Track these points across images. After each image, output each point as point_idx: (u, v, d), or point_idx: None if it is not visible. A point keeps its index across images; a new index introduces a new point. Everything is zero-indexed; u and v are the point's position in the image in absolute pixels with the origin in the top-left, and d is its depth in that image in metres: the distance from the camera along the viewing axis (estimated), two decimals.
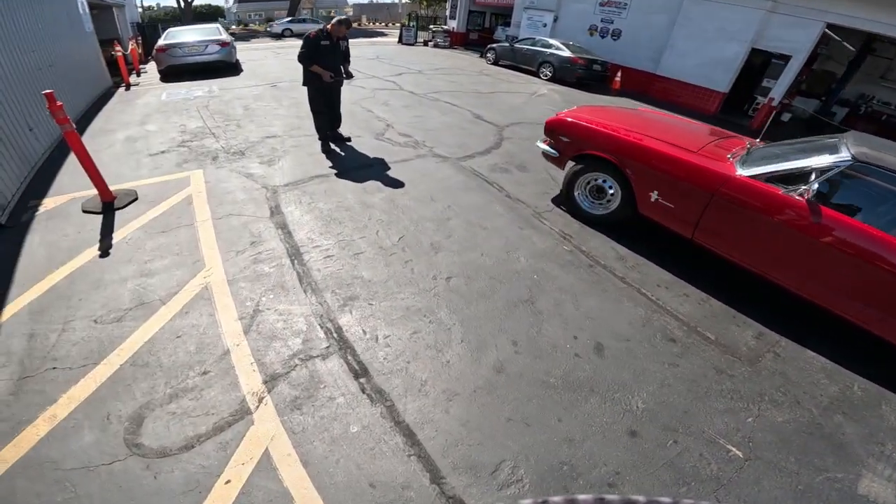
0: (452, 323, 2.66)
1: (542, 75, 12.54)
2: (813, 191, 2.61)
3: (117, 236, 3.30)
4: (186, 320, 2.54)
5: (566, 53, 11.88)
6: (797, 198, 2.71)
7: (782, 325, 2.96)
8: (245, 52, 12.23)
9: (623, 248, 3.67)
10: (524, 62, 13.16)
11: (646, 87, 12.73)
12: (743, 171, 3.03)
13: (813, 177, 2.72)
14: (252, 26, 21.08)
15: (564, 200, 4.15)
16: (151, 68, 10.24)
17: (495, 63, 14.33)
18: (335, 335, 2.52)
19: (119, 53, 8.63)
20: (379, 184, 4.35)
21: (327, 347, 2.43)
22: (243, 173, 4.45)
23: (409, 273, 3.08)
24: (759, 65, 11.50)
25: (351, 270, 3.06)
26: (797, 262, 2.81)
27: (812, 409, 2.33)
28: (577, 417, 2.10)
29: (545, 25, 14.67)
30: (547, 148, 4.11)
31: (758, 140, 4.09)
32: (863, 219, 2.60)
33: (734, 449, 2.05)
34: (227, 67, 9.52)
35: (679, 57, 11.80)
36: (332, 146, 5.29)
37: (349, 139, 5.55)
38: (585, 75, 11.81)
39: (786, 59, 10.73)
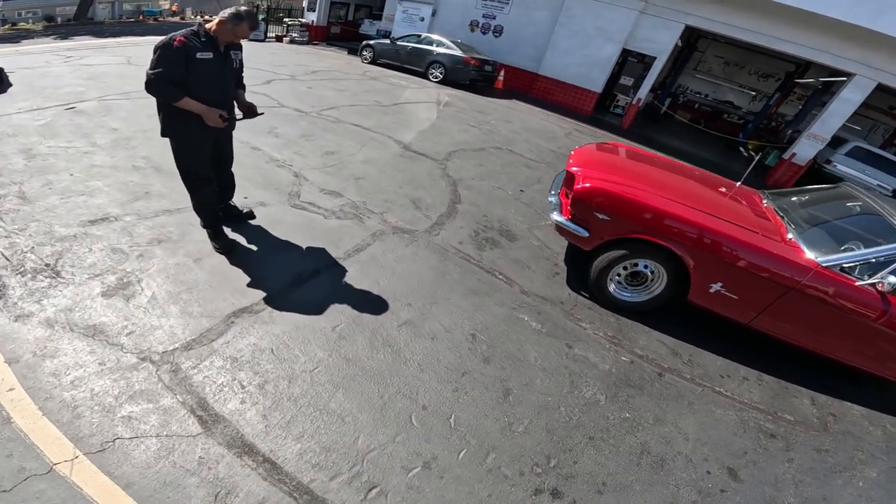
0: None
1: (431, 77, 11.51)
2: (889, 284, 2.54)
3: None
4: None
5: (458, 53, 11.04)
6: (871, 289, 2.63)
7: (818, 383, 3.15)
8: (13, 56, 8.15)
9: (668, 337, 3.21)
10: (409, 62, 11.89)
11: (528, 86, 12.79)
12: (816, 258, 2.72)
13: (870, 267, 2.65)
14: (24, 25, 15.10)
15: (593, 289, 3.33)
16: None
17: (373, 62, 12.70)
18: None
19: None
20: (350, 310, 2.75)
21: None
22: (81, 327, 2.26)
23: (499, 476, 1.99)
24: (617, 64, 12.45)
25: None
26: (863, 344, 2.83)
27: (883, 457, 2.67)
28: None
29: (423, 20, 13.50)
30: (570, 225, 3.08)
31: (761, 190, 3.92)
32: None
33: None
34: None
35: (561, 56, 12.02)
36: (230, 232, 3.22)
37: (252, 214, 3.57)
38: (478, 76, 11.20)
39: (642, 58, 11.78)
